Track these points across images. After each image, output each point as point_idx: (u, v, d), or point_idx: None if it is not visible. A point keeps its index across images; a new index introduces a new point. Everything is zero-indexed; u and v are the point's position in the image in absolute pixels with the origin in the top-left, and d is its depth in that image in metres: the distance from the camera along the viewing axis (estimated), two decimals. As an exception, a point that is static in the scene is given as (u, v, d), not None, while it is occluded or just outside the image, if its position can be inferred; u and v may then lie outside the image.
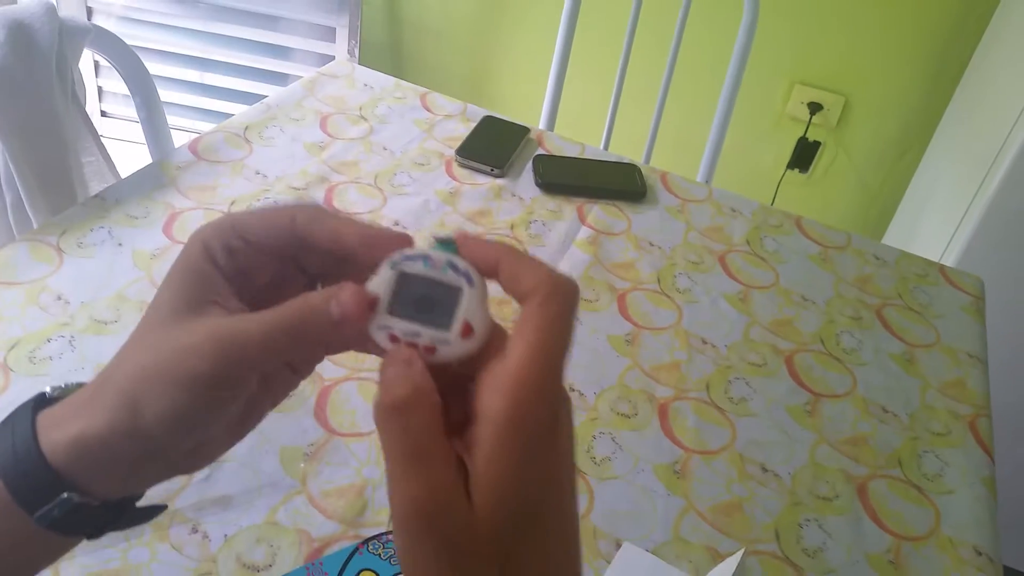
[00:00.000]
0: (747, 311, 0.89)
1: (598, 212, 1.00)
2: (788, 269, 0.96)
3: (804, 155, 2.05)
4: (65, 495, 0.33)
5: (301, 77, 2.23)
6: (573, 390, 0.75)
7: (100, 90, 2.31)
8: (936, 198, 1.74)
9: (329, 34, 2.19)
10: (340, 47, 2.18)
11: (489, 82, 2.31)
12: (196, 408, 0.33)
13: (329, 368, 0.73)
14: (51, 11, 0.90)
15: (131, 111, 2.31)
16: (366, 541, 0.60)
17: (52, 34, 0.89)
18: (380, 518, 0.62)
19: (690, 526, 0.66)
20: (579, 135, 1.21)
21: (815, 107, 1.97)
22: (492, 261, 0.34)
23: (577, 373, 0.76)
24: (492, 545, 0.30)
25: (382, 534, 0.61)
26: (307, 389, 0.71)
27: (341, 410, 0.70)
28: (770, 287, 0.93)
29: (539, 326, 0.32)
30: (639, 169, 1.07)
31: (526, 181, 1.04)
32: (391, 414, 0.30)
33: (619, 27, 1.52)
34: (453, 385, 0.33)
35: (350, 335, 0.34)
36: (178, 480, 0.62)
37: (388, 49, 2.35)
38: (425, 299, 0.34)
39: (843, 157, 2.04)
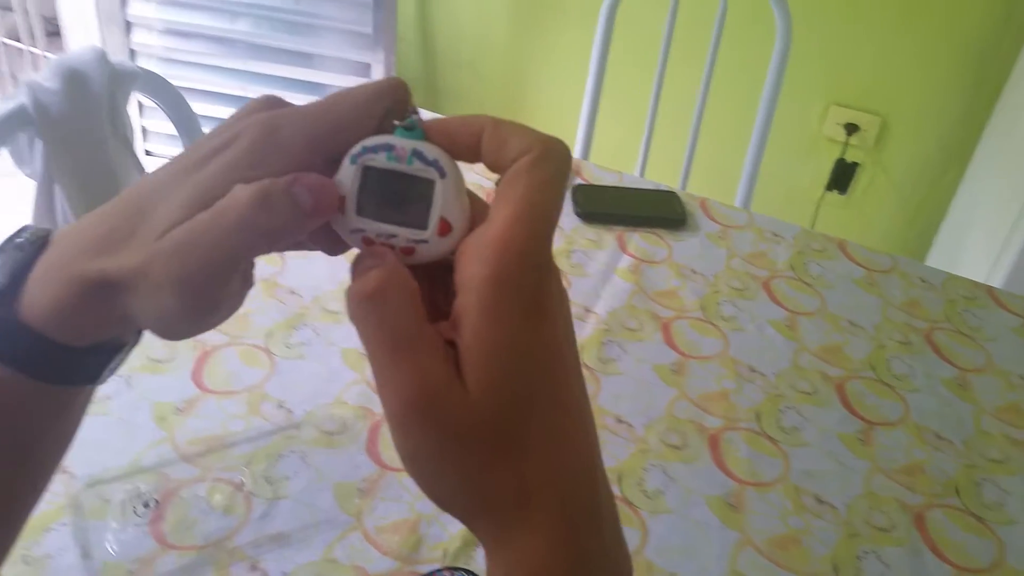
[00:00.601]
0: (795, 337, 0.88)
1: (638, 240, 1.00)
2: (834, 294, 0.96)
3: (842, 176, 2.04)
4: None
5: (338, 112, 2.28)
6: (621, 422, 0.75)
7: (144, 130, 2.37)
8: (979, 216, 1.72)
9: (364, 70, 2.23)
10: (375, 82, 2.21)
11: (523, 112, 2.33)
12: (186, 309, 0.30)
13: (379, 403, 0.74)
14: (102, 57, 0.93)
15: (174, 150, 2.37)
16: (422, 577, 0.61)
17: (104, 80, 0.92)
18: (435, 554, 0.62)
19: (747, 560, 0.65)
20: (614, 162, 1.22)
21: (852, 128, 1.96)
22: (474, 134, 0.31)
23: (624, 404, 0.76)
24: (494, 427, 0.28)
25: (437, 570, 0.61)
26: (358, 424, 0.72)
27: (392, 445, 0.70)
28: (816, 313, 0.92)
29: (528, 188, 0.29)
30: (678, 196, 1.07)
31: (565, 211, 1.04)
32: (366, 304, 0.28)
33: (652, 53, 1.53)
34: (430, 272, 0.31)
35: (314, 226, 0.31)
36: (236, 518, 0.62)
37: (422, 82, 2.38)
38: (395, 195, 0.31)
39: (882, 177, 2.03)
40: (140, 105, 2.28)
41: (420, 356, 0.28)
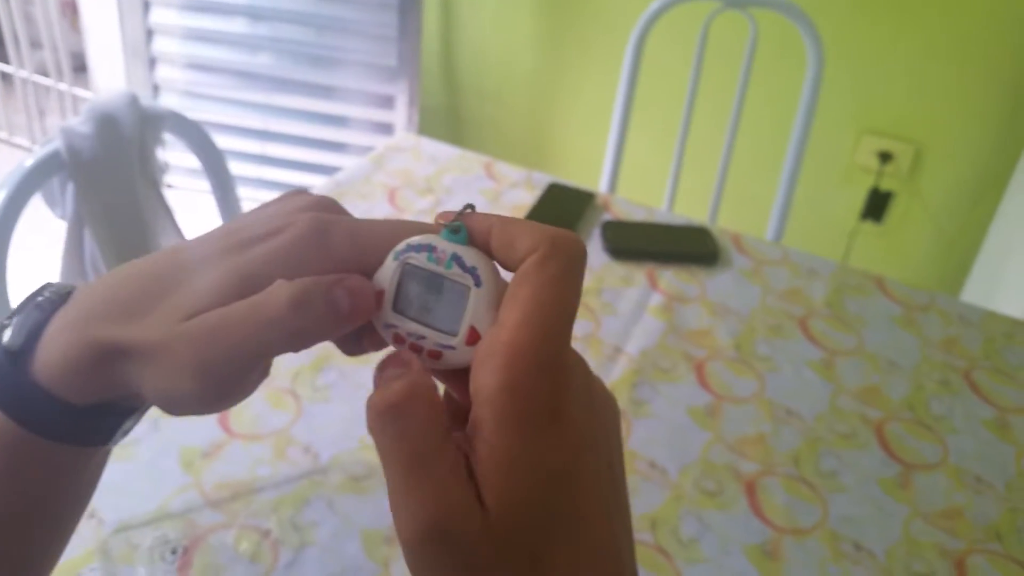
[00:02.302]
0: (832, 378, 0.86)
1: (670, 277, 0.99)
2: (872, 333, 0.93)
3: (877, 205, 2.01)
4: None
5: (360, 146, 2.30)
6: (654, 467, 0.73)
7: (166, 164, 2.40)
8: (1017, 243, 1.68)
9: (388, 102, 2.24)
10: (399, 114, 2.23)
11: (548, 143, 2.33)
12: (202, 392, 0.29)
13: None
14: (134, 101, 0.94)
15: (194, 182, 2.39)
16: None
17: (135, 123, 0.93)
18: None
19: (787, 613, 0.63)
20: (641, 194, 1.21)
21: (885, 156, 1.94)
22: (484, 233, 0.31)
23: (657, 448, 0.75)
24: (515, 548, 0.26)
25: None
26: (386, 469, 0.70)
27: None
28: (854, 352, 0.90)
29: (536, 288, 0.28)
30: (710, 231, 1.06)
31: (594, 248, 1.03)
32: (387, 416, 0.27)
33: (680, 83, 1.53)
34: (453, 376, 0.31)
35: (348, 330, 0.30)
36: (263, 566, 0.61)
37: (446, 114, 2.39)
38: (430, 297, 0.31)
39: (917, 206, 2.00)
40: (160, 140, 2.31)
41: (438, 476, 0.26)
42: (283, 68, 2.25)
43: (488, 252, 0.31)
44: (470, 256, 0.31)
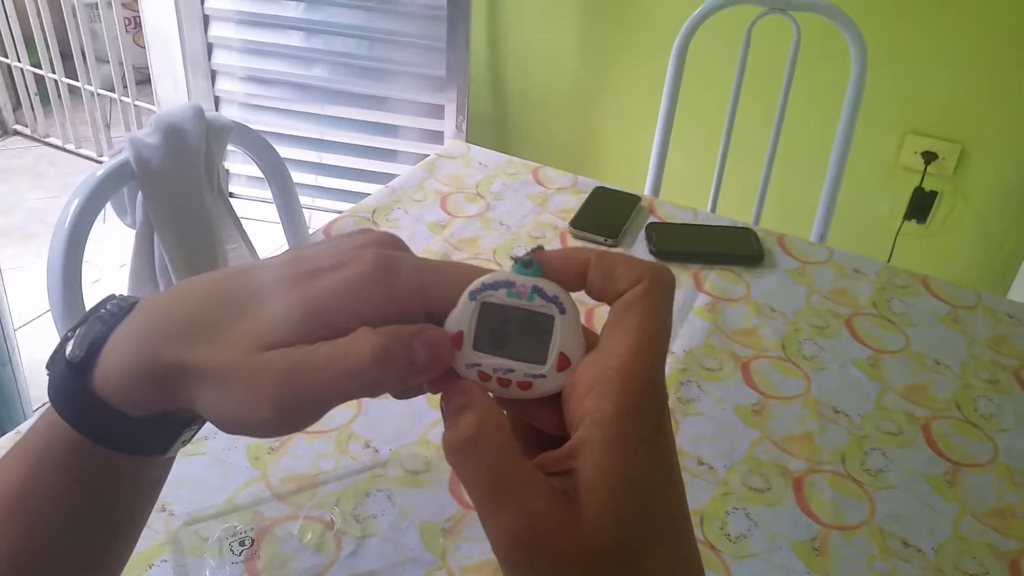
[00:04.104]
0: (878, 377, 0.87)
1: (715, 278, 1.00)
2: (918, 332, 0.94)
3: (921, 205, 1.99)
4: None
5: (411, 154, 2.35)
6: (702, 463, 0.75)
7: (227, 172, 2.47)
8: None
9: (437, 111, 2.29)
10: (448, 123, 2.27)
11: (592, 148, 2.35)
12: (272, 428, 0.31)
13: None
14: (199, 113, 0.99)
15: (255, 191, 2.46)
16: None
17: (201, 134, 0.97)
18: (519, 595, 0.63)
19: (834, 605, 0.64)
20: (685, 196, 1.22)
21: (930, 156, 1.92)
22: (578, 268, 0.32)
23: (705, 445, 0.76)
24: (615, 562, 0.27)
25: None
26: (441, 464, 0.73)
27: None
28: (901, 351, 0.91)
29: (643, 317, 0.30)
30: (755, 232, 1.07)
31: (640, 249, 1.05)
32: (460, 452, 0.29)
33: (724, 86, 1.53)
34: (535, 405, 0.32)
35: (425, 379, 0.31)
36: (327, 556, 0.65)
37: (493, 122, 2.42)
38: (513, 331, 0.31)
39: (962, 206, 1.97)
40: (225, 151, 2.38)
41: (521, 497, 0.28)
42: (337, 80, 2.31)
43: (567, 283, 0.32)
44: (549, 287, 0.32)
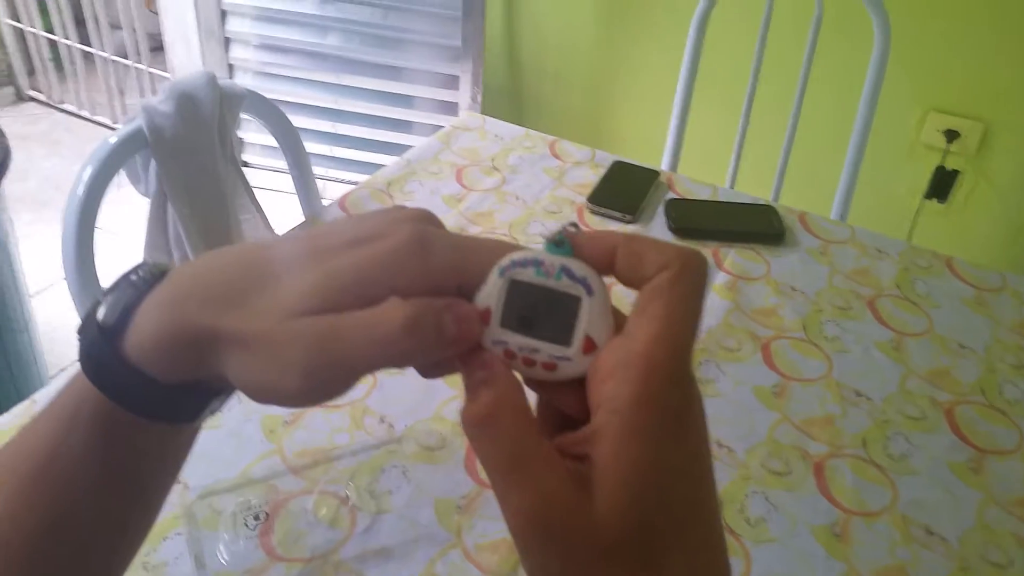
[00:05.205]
0: (902, 360, 0.85)
1: (735, 256, 0.99)
2: (942, 314, 0.92)
3: (942, 184, 1.96)
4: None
5: (425, 125, 2.32)
6: (721, 445, 0.74)
7: (242, 142, 2.46)
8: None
9: (452, 82, 2.26)
10: (463, 94, 2.25)
11: (609, 121, 2.33)
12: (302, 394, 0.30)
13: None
14: (212, 81, 0.97)
15: (269, 161, 2.45)
16: (522, 598, 0.61)
17: (214, 102, 0.96)
18: (535, 575, 0.62)
19: (854, 591, 0.63)
20: (703, 172, 1.20)
21: (952, 134, 1.88)
22: (608, 250, 0.31)
23: (723, 427, 0.75)
24: (630, 548, 0.27)
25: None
26: (456, 441, 0.72)
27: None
28: (924, 334, 0.89)
29: (670, 304, 0.29)
30: (775, 210, 1.05)
31: (659, 226, 1.03)
32: (479, 427, 0.28)
33: (744, 60, 1.51)
34: (560, 387, 0.31)
35: (452, 353, 0.30)
36: (341, 531, 0.64)
37: (508, 94, 2.40)
38: (540, 310, 0.31)
39: (984, 185, 1.94)
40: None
41: (537, 476, 0.27)
42: (351, 49, 2.28)
43: (596, 266, 0.31)
44: (579, 267, 0.31)
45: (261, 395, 0.31)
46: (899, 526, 0.68)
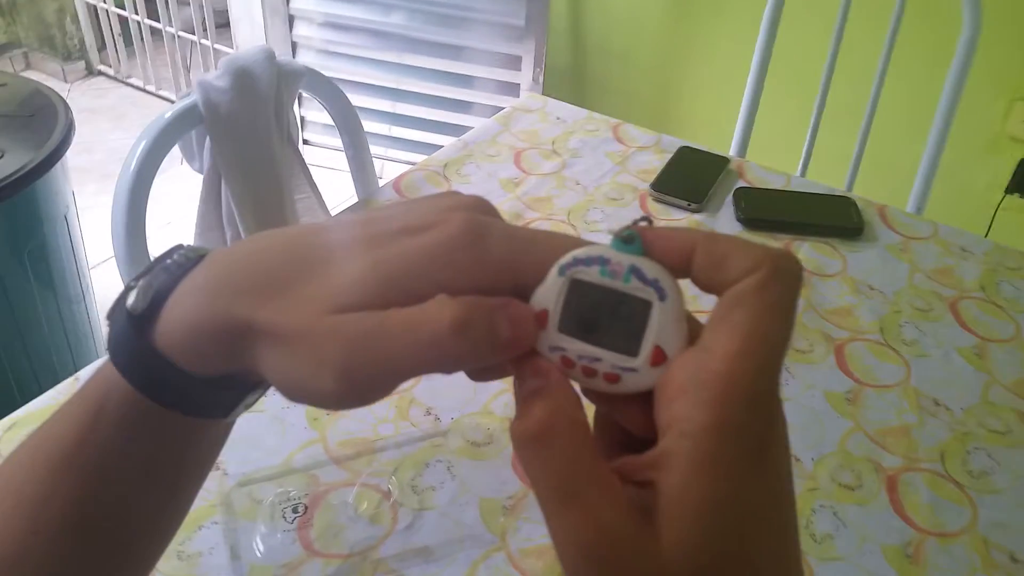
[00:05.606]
0: (985, 368, 0.79)
1: (808, 250, 0.93)
2: (1032, 320, 0.85)
3: (1027, 179, 1.86)
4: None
5: (485, 105, 2.29)
6: (787, 452, 0.69)
7: (303, 120, 2.46)
8: None
9: (514, 62, 2.22)
10: (525, 74, 2.21)
11: (675, 104, 2.26)
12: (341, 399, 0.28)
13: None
14: (270, 56, 0.95)
15: (330, 139, 2.45)
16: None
17: (271, 78, 0.94)
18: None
19: (929, 621, 0.58)
20: (772, 159, 1.15)
21: (1042, 126, 1.78)
22: (685, 249, 0.27)
23: (792, 435, 0.70)
24: None
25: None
26: (503, 437, 0.69)
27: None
28: (1010, 340, 0.83)
29: (756, 315, 0.25)
30: (854, 202, 0.99)
31: (727, 216, 0.98)
32: (530, 444, 0.25)
33: (820, 42, 1.43)
34: (623, 400, 0.28)
35: (498, 360, 0.27)
36: (382, 527, 0.62)
37: (572, 74, 2.35)
38: (604, 315, 0.27)
39: (1074, 180, 1.83)
40: (300, 96, 2.37)
41: (594, 504, 0.24)
42: (414, 28, 2.26)
43: (671, 267, 0.28)
44: (650, 268, 0.27)
45: (295, 394, 0.28)
46: (979, 550, 0.63)
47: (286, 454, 0.66)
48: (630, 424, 0.29)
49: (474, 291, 0.27)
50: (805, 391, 0.75)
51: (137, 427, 0.32)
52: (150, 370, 0.30)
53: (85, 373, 0.71)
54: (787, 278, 0.26)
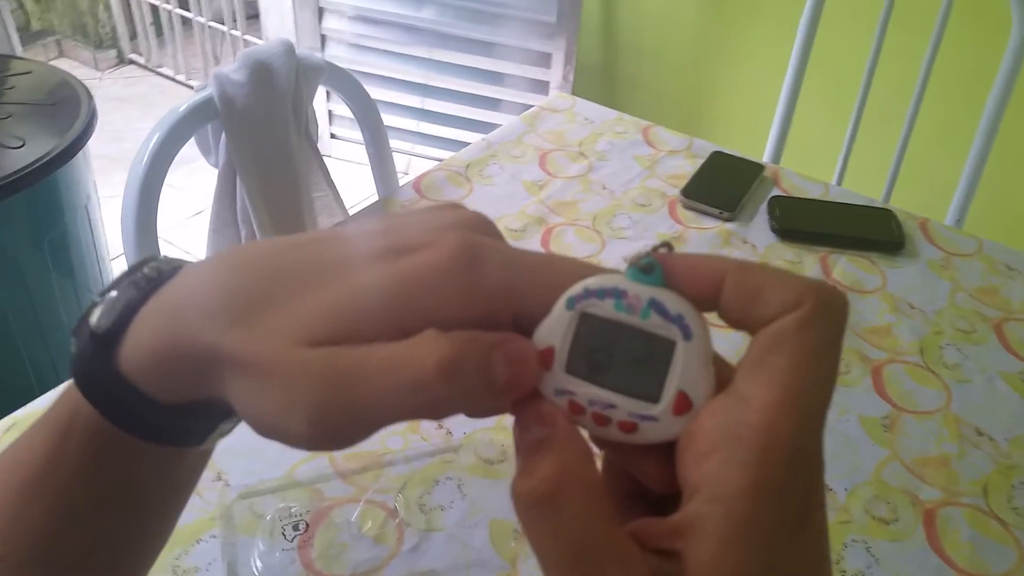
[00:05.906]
0: (1033, 396, 0.74)
1: (845, 264, 0.89)
2: (1084, 345, 0.81)
3: (1076, 192, 1.79)
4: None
5: (514, 103, 2.26)
6: (818, 481, 0.65)
7: (331, 114, 2.44)
8: None
9: (544, 59, 2.19)
10: (555, 72, 2.17)
11: (708, 106, 2.21)
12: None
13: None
14: (290, 50, 0.93)
15: (358, 134, 2.43)
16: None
17: (290, 73, 0.91)
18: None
19: (969, 673, 0.54)
20: (807, 166, 1.10)
21: (1093, 138, 1.71)
22: (712, 280, 0.24)
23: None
24: None
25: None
26: (519, 454, 0.66)
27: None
28: (1061, 367, 0.78)
29: (799, 360, 0.22)
30: (895, 215, 0.95)
31: (760, 225, 0.94)
32: (535, 508, 0.22)
33: (861, 45, 1.38)
34: (642, 452, 0.25)
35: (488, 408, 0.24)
36: (387, 548, 0.59)
37: (602, 73, 2.31)
38: (619, 354, 0.24)
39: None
40: (328, 91, 2.35)
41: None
42: (445, 23, 2.24)
43: (696, 300, 0.24)
44: (673, 301, 0.24)
45: (265, 431, 0.25)
46: (1025, 595, 0.59)
47: (289, 466, 0.64)
48: (647, 479, 0.25)
49: (468, 323, 0.24)
50: (839, 416, 0.71)
51: (105, 453, 0.29)
52: (114, 396, 0.27)
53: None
54: (832, 316, 0.23)
